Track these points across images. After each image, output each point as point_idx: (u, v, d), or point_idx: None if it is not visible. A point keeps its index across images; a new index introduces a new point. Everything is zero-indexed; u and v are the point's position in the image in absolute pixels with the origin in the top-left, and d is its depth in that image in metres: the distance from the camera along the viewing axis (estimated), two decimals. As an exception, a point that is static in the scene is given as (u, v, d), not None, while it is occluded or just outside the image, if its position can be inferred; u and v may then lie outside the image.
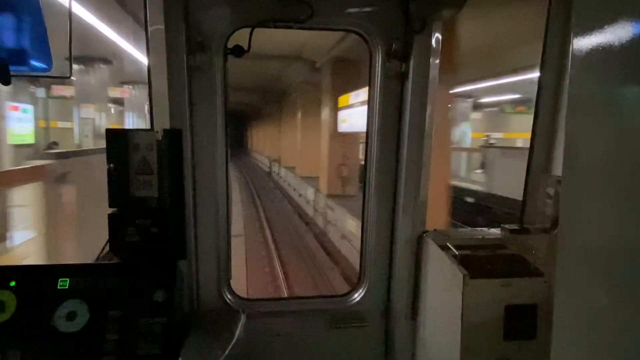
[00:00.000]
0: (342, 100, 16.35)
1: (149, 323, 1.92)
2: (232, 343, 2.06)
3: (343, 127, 16.63)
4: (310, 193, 20.23)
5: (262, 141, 44.94)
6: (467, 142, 24.82)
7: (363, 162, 2.82)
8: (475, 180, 19.05)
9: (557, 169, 2.38)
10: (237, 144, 64.55)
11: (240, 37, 2.36)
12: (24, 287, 1.93)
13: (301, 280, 11.94)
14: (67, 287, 1.95)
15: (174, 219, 2.18)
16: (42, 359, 1.84)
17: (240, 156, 57.19)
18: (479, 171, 19.92)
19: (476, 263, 2.18)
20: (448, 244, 2.31)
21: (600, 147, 1.05)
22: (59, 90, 18.63)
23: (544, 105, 2.41)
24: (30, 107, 17.10)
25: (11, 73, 1.71)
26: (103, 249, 2.16)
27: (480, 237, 2.48)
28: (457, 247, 2.27)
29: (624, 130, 0.98)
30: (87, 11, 9.25)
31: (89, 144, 18.06)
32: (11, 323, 1.87)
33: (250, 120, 56.57)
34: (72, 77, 2.20)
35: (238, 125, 61.59)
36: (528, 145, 2.50)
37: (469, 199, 17.14)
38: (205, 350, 2.04)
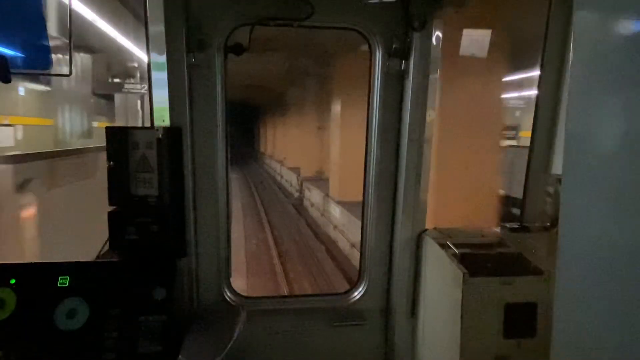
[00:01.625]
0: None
1: (149, 321, 1.92)
2: (232, 341, 2.06)
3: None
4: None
5: (285, 144, 25.57)
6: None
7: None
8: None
9: (557, 168, 2.38)
10: (245, 147, 44.10)
11: (239, 35, 2.36)
12: (24, 284, 1.93)
13: None
14: (67, 285, 1.95)
15: (173, 217, 2.18)
16: (42, 357, 1.85)
17: (249, 165, 37.43)
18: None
19: (476, 261, 2.18)
20: (448, 242, 2.31)
21: (600, 146, 1.05)
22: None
23: (544, 104, 2.42)
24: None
25: (11, 70, 1.71)
26: (103, 247, 2.16)
27: (480, 235, 2.49)
28: (457, 246, 2.27)
29: (624, 129, 0.98)
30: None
31: None
32: (11, 321, 1.87)
33: (264, 112, 37.10)
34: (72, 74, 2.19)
35: (245, 120, 40.53)
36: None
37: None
38: (205, 347, 2.05)
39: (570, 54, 1.09)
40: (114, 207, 2.10)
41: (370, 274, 2.66)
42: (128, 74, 14.12)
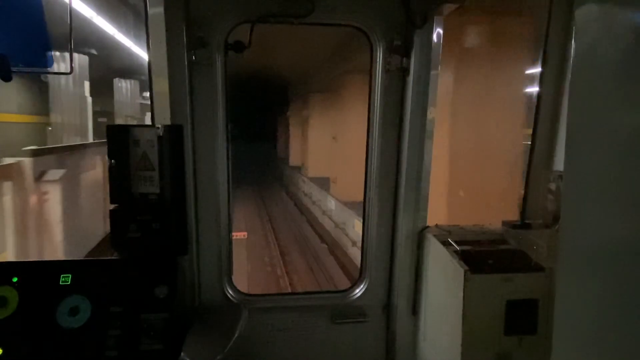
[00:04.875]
0: None
1: (151, 318, 1.92)
2: (234, 338, 2.07)
3: None
4: None
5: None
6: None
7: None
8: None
9: (559, 164, 2.38)
10: (258, 152, 23.94)
11: (240, 33, 2.36)
12: (26, 283, 1.94)
13: None
14: (69, 283, 1.96)
15: (175, 214, 2.18)
16: (44, 355, 1.85)
17: (264, 190, 21.82)
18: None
19: (477, 258, 2.18)
20: (449, 239, 2.31)
21: (602, 142, 1.05)
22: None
23: (546, 101, 2.41)
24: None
25: (12, 69, 1.72)
26: (102, 243, 2.17)
27: (481, 232, 2.48)
28: (458, 243, 2.27)
29: (626, 125, 0.98)
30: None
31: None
32: (14, 319, 1.88)
33: (296, 92, 19.27)
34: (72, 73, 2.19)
35: (259, 107, 20.97)
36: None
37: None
38: (207, 345, 2.05)
39: (572, 50, 1.09)
40: (116, 205, 2.11)
41: (371, 271, 2.66)
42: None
